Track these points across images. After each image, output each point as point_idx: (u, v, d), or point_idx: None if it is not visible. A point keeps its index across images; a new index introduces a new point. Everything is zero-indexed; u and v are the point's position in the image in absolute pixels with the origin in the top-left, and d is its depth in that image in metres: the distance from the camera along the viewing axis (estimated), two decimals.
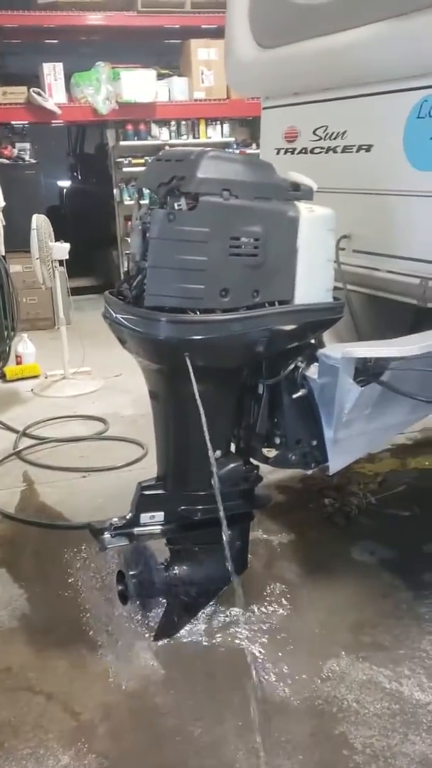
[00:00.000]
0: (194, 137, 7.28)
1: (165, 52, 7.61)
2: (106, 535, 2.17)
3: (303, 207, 2.05)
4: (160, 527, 2.24)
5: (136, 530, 2.20)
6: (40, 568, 2.76)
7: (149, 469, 2.90)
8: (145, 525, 2.21)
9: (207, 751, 1.90)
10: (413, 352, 2.02)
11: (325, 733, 1.94)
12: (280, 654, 2.25)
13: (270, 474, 3.15)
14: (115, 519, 2.20)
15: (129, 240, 2.13)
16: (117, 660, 2.23)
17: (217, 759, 1.88)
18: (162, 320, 1.95)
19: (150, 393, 2.26)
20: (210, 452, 1.99)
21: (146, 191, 2.15)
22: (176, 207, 1.90)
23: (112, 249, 7.68)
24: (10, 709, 2.04)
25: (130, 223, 7.09)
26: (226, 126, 7.41)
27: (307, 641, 2.31)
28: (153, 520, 2.22)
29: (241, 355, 2.11)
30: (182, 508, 2.22)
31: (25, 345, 5.18)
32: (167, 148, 2.05)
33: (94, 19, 6.74)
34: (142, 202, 2.18)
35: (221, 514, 1.87)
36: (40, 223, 4.66)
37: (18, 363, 5.15)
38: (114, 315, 2.11)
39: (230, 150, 7.29)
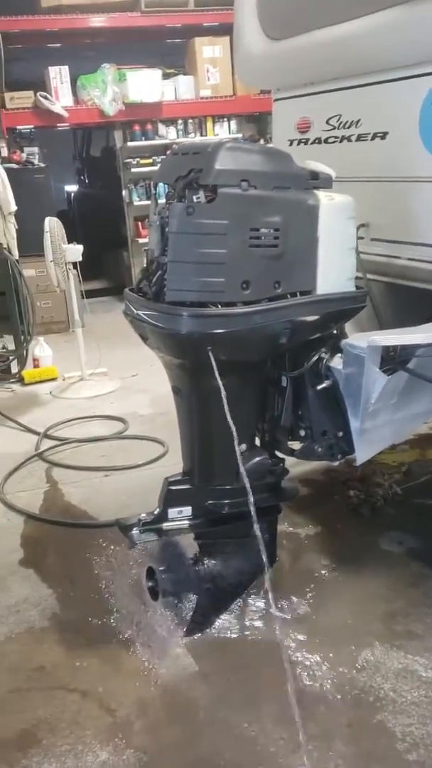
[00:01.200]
0: (201, 135, 7.27)
1: (170, 52, 7.61)
2: (135, 531, 2.18)
3: (322, 195, 2.04)
4: (188, 522, 2.24)
5: (165, 525, 2.20)
6: (68, 567, 2.77)
7: (170, 466, 2.90)
8: (173, 520, 2.22)
9: (245, 743, 1.90)
10: None
11: (364, 723, 1.93)
12: (313, 645, 2.24)
13: (294, 467, 3.13)
14: (143, 515, 2.20)
15: (147, 237, 2.12)
16: (149, 656, 2.23)
17: (256, 751, 1.87)
18: (183, 315, 1.95)
19: (173, 388, 2.26)
20: (236, 446, 1.99)
21: (163, 186, 2.15)
22: (195, 200, 1.90)
23: (123, 250, 7.69)
24: (46, 708, 2.05)
25: (140, 223, 7.15)
26: (233, 123, 7.40)
27: (339, 632, 2.30)
28: (181, 515, 2.22)
29: (263, 348, 2.10)
30: (209, 502, 2.22)
31: (41, 348, 5.20)
32: (175, 146, 2.05)
33: (98, 21, 6.75)
34: (136, 202, 2.17)
35: (251, 507, 1.86)
36: (52, 225, 4.68)
37: (35, 366, 5.17)
38: (135, 312, 2.11)
39: None
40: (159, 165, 2.17)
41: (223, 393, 1.93)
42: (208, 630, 2.30)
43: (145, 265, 2.18)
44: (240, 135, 7.42)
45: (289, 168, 2.03)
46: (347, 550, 2.75)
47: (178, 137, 7.16)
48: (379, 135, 2.57)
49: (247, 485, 1.92)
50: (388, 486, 3.12)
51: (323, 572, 2.63)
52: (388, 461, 3.39)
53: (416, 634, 2.26)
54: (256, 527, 1.87)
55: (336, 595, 2.50)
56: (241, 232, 1.92)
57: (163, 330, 2.01)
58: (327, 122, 2.81)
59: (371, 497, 3.06)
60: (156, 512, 2.21)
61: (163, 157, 2.21)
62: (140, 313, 2.07)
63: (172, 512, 2.21)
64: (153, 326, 2.03)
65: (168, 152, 2.12)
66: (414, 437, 3.63)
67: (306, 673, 2.13)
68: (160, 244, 2.04)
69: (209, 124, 7.32)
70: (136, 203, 7.24)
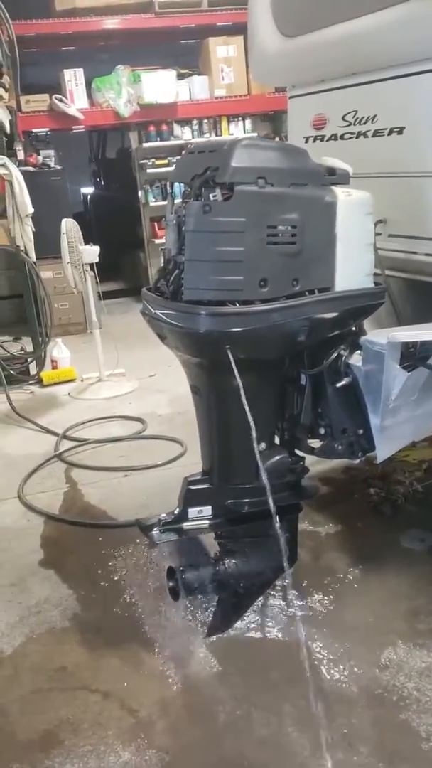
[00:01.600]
0: (216, 135, 7.27)
1: (184, 52, 7.62)
2: (155, 531, 2.17)
3: (340, 191, 2.02)
4: (208, 521, 2.23)
5: (185, 525, 2.19)
6: (88, 567, 2.78)
7: (189, 466, 2.90)
8: (193, 520, 2.20)
9: (268, 744, 1.89)
10: None
11: (388, 722, 1.92)
12: (335, 644, 2.23)
13: (313, 465, 3.10)
14: (164, 515, 2.20)
15: (163, 237, 2.12)
16: (171, 656, 2.23)
17: (279, 751, 1.87)
18: (202, 314, 1.94)
19: (191, 387, 2.25)
20: (255, 445, 1.98)
21: (179, 185, 2.14)
22: (211, 198, 1.89)
23: (140, 251, 7.71)
24: (68, 708, 2.05)
25: (156, 224, 7.15)
26: (248, 122, 7.39)
27: (362, 631, 2.28)
28: (201, 515, 2.21)
29: (282, 346, 2.09)
30: (229, 501, 2.21)
31: (59, 350, 5.23)
32: (190, 145, 2.05)
33: (112, 23, 6.77)
34: (152, 203, 2.17)
35: (272, 506, 1.84)
36: (69, 227, 4.70)
37: (54, 368, 5.20)
38: (153, 311, 2.10)
39: None
40: (175, 164, 2.17)
41: (242, 392, 1.92)
42: (229, 630, 2.29)
43: (162, 265, 2.18)
44: (255, 134, 7.40)
45: (306, 164, 2.02)
46: (368, 549, 2.73)
47: (193, 137, 7.16)
48: (395, 130, 2.55)
49: (267, 484, 1.91)
50: (408, 484, 3.10)
51: (344, 571, 2.61)
52: (408, 459, 3.36)
53: None
54: (277, 526, 1.86)
55: (357, 594, 2.48)
56: (259, 230, 1.90)
57: (181, 329, 2.01)
58: (343, 118, 2.79)
59: (392, 495, 3.04)
60: (176, 512, 2.20)
61: (179, 157, 2.21)
62: (158, 312, 2.06)
63: (192, 512, 2.20)
64: (171, 325, 2.02)
65: (183, 151, 2.11)
66: None
67: (328, 673, 2.12)
68: (177, 243, 2.04)
69: (224, 123, 7.32)
70: (152, 204, 7.25)
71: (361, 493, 3.11)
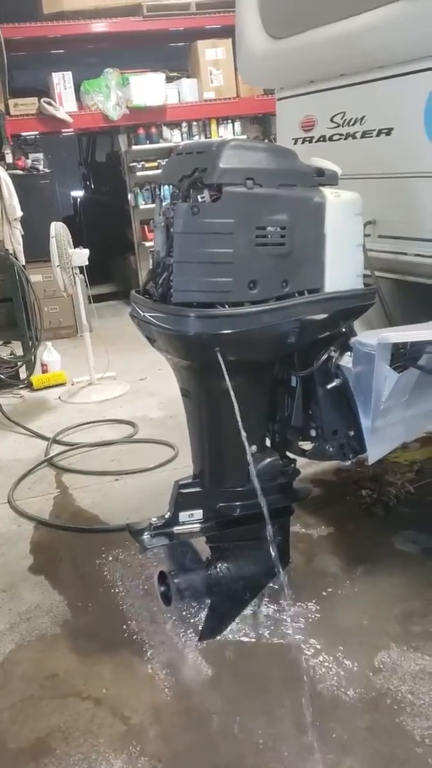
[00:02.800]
0: (206, 137, 7.26)
1: (173, 55, 7.61)
2: (146, 536, 2.16)
3: (329, 192, 2.02)
4: (199, 525, 2.21)
5: (176, 529, 2.18)
6: (79, 573, 2.75)
7: (181, 469, 2.89)
8: (184, 523, 2.19)
9: (260, 750, 1.87)
10: None
11: (382, 726, 1.90)
12: (329, 648, 2.21)
13: (305, 468, 3.10)
14: (154, 519, 2.18)
15: (153, 239, 2.11)
16: (163, 662, 2.21)
17: (274, 757, 1.85)
18: (191, 316, 1.93)
19: (181, 391, 2.24)
20: (246, 447, 1.97)
21: (168, 187, 2.13)
22: (200, 199, 1.88)
23: (130, 254, 7.69)
24: (59, 716, 2.03)
25: (146, 227, 7.13)
26: (237, 124, 7.39)
27: (355, 634, 2.27)
28: (192, 519, 2.20)
29: (272, 348, 2.08)
30: (220, 505, 2.20)
31: (49, 353, 5.20)
32: (179, 146, 2.04)
33: (101, 26, 6.76)
34: (142, 205, 2.16)
35: (264, 509, 1.83)
36: (58, 230, 4.67)
37: (44, 371, 5.17)
38: (142, 314, 2.09)
39: None
40: (163, 166, 2.16)
41: (232, 394, 1.91)
42: (222, 634, 2.28)
43: (151, 267, 2.17)
44: (245, 137, 7.41)
45: (295, 165, 2.01)
46: (361, 551, 2.72)
47: (182, 140, 7.15)
48: (384, 131, 2.55)
49: (258, 487, 1.90)
50: (400, 485, 3.09)
51: (337, 573, 2.60)
52: (400, 460, 3.36)
53: None
54: (269, 529, 1.84)
55: (351, 596, 2.47)
56: (248, 231, 1.90)
57: (170, 332, 1.99)
58: (331, 120, 2.78)
59: (384, 497, 3.03)
60: (167, 516, 2.19)
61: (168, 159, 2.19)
62: (147, 315, 2.05)
63: (183, 515, 2.19)
64: (160, 328, 2.01)
65: (172, 153, 2.10)
66: (426, 434, 3.60)
67: (322, 676, 2.10)
68: (166, 245, 2.03)
69: (213, 126, 7.31)
70: (141, 207, 7.24)
71: (353, 494, 3.10)
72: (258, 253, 1.92)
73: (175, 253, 1.94)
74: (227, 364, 1.94)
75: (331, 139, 2.81)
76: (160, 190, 2.15)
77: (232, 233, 1.88)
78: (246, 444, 1.93)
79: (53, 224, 4.70)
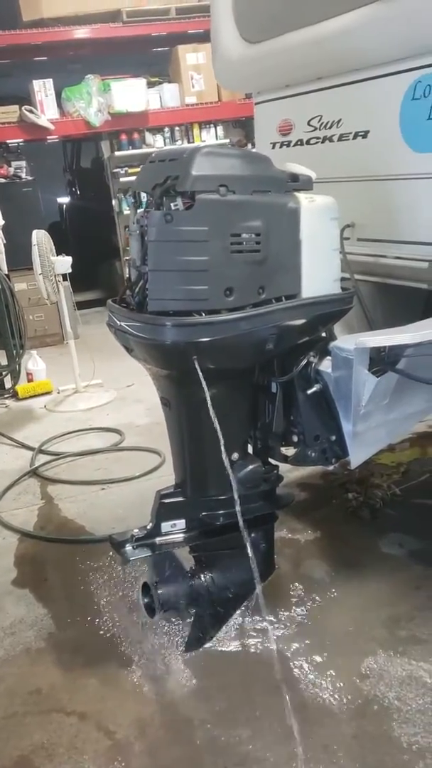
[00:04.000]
0: (189, 142, 7.25)
1: (154, 61, 7.60)
2: (128, 548, 2.13)
3: (303, 197, 2.00)
4: (182, 535, 2.19)
5: (158, 540, 2.15)
6: (64, 585, 2.73)
7: (168, 477, 2.85)
8: (166, 534, 2.17)
9: (249, 760, 1.85)
10: (428, 337, 1.97)
11: (368, 734, 1.89)
12: (315, 655, 2.20)
13: (290, 472, 3.11)
14: (136, 530, 2.16)
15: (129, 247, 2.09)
16: (148, 674, 2.19)
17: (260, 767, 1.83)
18: (167, 325, 1.91)
19: (161, 400, 2.22)
20: (224, 456, 1.95)
21: (143, 194, 2.11)
22: (173, 207, 1.86)
23: (116, 260, 7.67)
24: (43, 732, 2.00)
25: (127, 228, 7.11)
26: (219, 128, 7.38)
27: (342, 640, 2.25)
28: (175, 529, 2.18)
29: (251, 355, 2.06)
30: (203, 514, 2.18)
31: (35, 362, 5.17)
32: (153, 154, 2.01)
33: (81, 32, 6.73)
34: (126, 211, 2.14)
35: (240, 521, 1.82)
36: (40, 238, 4.65)
37: (29, 380, 5.14)
38: (118, 323, 2.07)
39: None
40: (137, 173, 2.14)
41: (209, 403, 1.89)
42: (207, 644, 2.26)
43: (127, 275, 2.15)
44: (227, 140, 7.41)
45: (268, 171, 2.00)
46: (348, 555, 2.71)
47: (165, 145, 7.14)
48: (360, 134, 2.54)
49: (236, 497, 1.88)
50: (386, 487, 3.09)
51: (324, 578, 2.59)
52: (386, 462, 3.35)
53: (420, 639, 2.22)
54: (246, 539, 1.83)
55: (337, 602, 2.45)
56: (222, 238, 1.88)
57: (147, 341, 1.97)
58: (308, 123, 2.78)
59: (370, 499, 3.02)
60: (149, 527, 2.17)
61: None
62: (123, 324, 2.03)
63: (166, 526, 2.17)
64: (137, 337, 1.99)
65: (147, 160, 2.09)
66: (413, 435, 3.59)
67: (308, 684, 2.09)
68: (141, 253, 2.01)
69: (196, 130, 7.30)
70: (126, 213, 7.21)
71: (340, 497, 3.09)
72: (233, 260, 1.90)
73: (149, 262, 1.92)
74: (206, 372, 1.92)
75: (308, 142, 2.81)
76: (134, 197, 2.13)
77: (207, 240, 1.86)
78: (224, 454, 1.92)
79: (35, 232, 4.67)
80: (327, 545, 2.80)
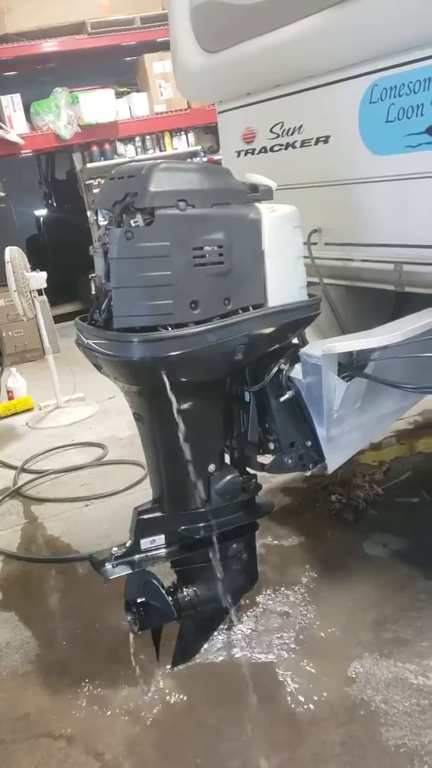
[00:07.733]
0: (161, 150, 7.26)
1: (122, 71, 7.60)
2: (108, 566, 2.12)
3: (264, 208, 2.00)
4: (162, 550, 2.18)
5: (138, 557, 2.14)
6: (50, 605, 2.72)
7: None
8: (146, 550, 2.16)
9: None
10: (394, 340, 1.98)
11: (357, 740, 1.89)
12: (302, 662, 2.19)
13: (273, 477, 3.11)
14: (115, 548, 2.14)
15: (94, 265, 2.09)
16: (136, 692, 2.18)
17: None
18: (134, 341, 1.90)
19: (134, 415, 2.21)
20: (190, 468, 1.96)
21: (105, 211, 2.11)
22: (133, 224, 1.86)
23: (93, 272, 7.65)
24: (31, 759, 1.99)
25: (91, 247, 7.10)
26: (191, 135, 7.39)
27: (329, 645, 2.25)
28: (154, 545, 2.17)
29: (221, 366, 2.06)
30: (182, 528, 2.17)
31: (14, 379, 5.15)
32: (112, 171, 2.02)
33: (47, 46, 6.72)
34: (101, 222, 2.14)
35: (213, 535, 1.82)
36: (13, 255, 4.63)
37: (10, 398, 5.11)
38: (86, 341, 2.06)
39: (198, 158, 7.27)
40: (98, 191, 2.14)
41: (178, 417, 1.90)
42: (194, 658, 2.25)
43: (93, 293, 2.14)
44: (199, 147, 7.42)
45: (228, 183, 2.00)
46: (333, 558, 2.71)
47: (137, 154, 7.14)
48: (321, 139, 2.55)
49: (209, 509, 1.89)
50: (369, 487, 3.10)
51: (310, 583, 2.59)
52: (368, 461, 3.37)
53: (405, 640, 2.22)
54: (214, 556, 1.82)
55: (323, 606, 2.45)
56: (184, 252, 1.88)
57: (114, 358, 1.97)
58: (271, 131, 2.79)
59: (353, 501, 3.03)
60: (128, 544, 2.16)
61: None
62: (90, 342, 2.03)
63: (145, 542, 2.15)
64: (104, 355, 1.98)
65: (107, 177, 2.09)
66: (394, 433, 3.61)
67: (296, 692, 2.09)
68: (105, 270, 2.00)
69: (167, 138, 7.31)
70: (101, 224, 7.20)
71: (324, 500, 3.09)
72: (197, 273, 1.90)
73: (112, 279, 1.92)
74: (177, 386, 1.92)
75: (272, 149, 2.81)
76: (96, 215, 2.12)
77: (169, 255, 1.86)
78: (190, 466, 1.92)
79: (8, 249, 4.66)
80: (312, 549, 2.80)
